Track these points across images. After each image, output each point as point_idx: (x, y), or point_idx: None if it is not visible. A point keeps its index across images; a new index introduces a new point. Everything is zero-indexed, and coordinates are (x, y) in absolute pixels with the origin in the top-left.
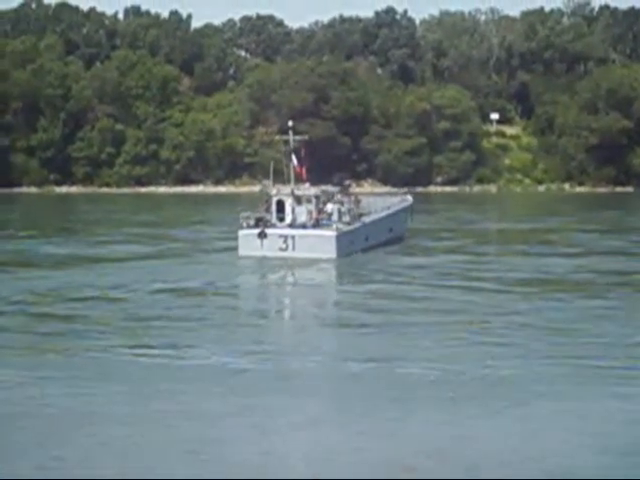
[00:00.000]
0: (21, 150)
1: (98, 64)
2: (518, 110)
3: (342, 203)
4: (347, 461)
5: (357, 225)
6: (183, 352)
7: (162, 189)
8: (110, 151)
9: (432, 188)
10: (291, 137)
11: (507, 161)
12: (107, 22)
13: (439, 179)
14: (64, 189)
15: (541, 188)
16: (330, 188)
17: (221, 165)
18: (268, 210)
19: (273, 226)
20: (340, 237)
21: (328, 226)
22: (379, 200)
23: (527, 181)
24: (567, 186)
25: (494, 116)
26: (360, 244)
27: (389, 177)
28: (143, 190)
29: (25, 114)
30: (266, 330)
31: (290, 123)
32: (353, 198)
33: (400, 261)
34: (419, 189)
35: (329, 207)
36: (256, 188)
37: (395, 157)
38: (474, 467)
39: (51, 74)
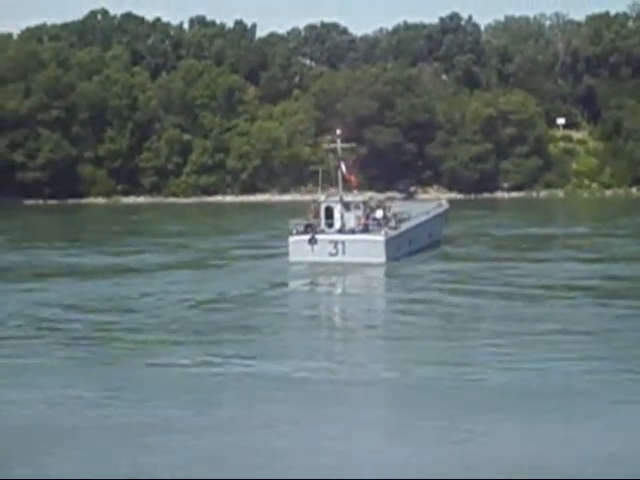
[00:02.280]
0: (89, 161)
1: (164, 74)
2: (584, 115)
3: (384, 209)
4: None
5: (403, 230)
6: (243, 361)
7: (228, 198)
8: (177, 161)
9: (499, 194)
10: (339, 145)
11: (574, 166)
12: (172, 32)
13: (506, 185)
14: (131, 199)
15: (608, 192)
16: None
17: (287, 173)
18: (317, 217)
19: (322, 232)
20: (388, 242)
21: (376, 231)
22: (417, 206)
23: (594, 186)
24: (634, 190)
25: (560, 121)
26: (405, 248)
27: (455, 183)
28: (210, 199)
29: (92, 125)
30: (325, 338)
31: (338, 131)
32: (387, 205)
33: (447, 266)
34: (485, 195)
35: (378, 213)
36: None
37: (461, 163)
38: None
39: (117, 85)
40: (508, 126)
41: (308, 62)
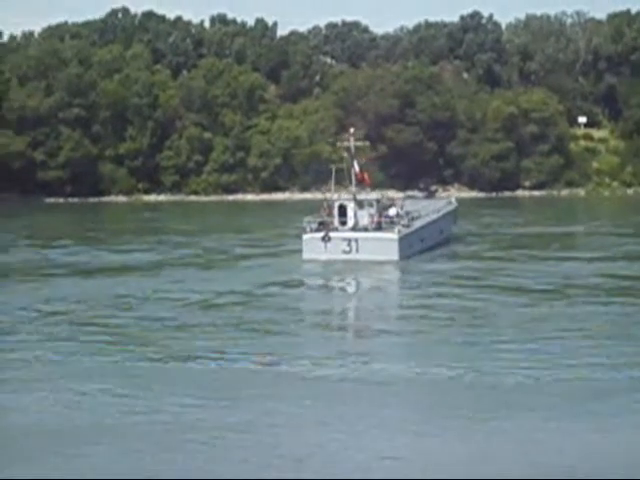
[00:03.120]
0: (110, 159)
1: (185, 73)
2: (606, 113)
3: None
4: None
5: (415, 228)
6: (264, 359)
7: (249, 196)
8: (198, 159)
9: (520, 192)
10: (352, 143)
11: (595, 164)
12: (193, 31)
13: (527, 183)
14: (152, 197)
15: (630, 191)
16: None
17: (307, 172)
18: (330, 215)
19: (335, 230)
20: (402, 239)
21: (390, 229)
22: (427, 204)
23: (615, 184)
24: None
25: (582, 119)
26: (417, 246)
27: (476, 182)
28: (230, 198)
29: (113, 123)
30: (345, 337)
31: (352, 130)
32: (399, 203)
33: (462, 264)
34: (506, 193)
35: (391, 211)
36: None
37: (482, 161)
38: None
39: (138, 83)
40: (529, 124)
41: (329, 60)
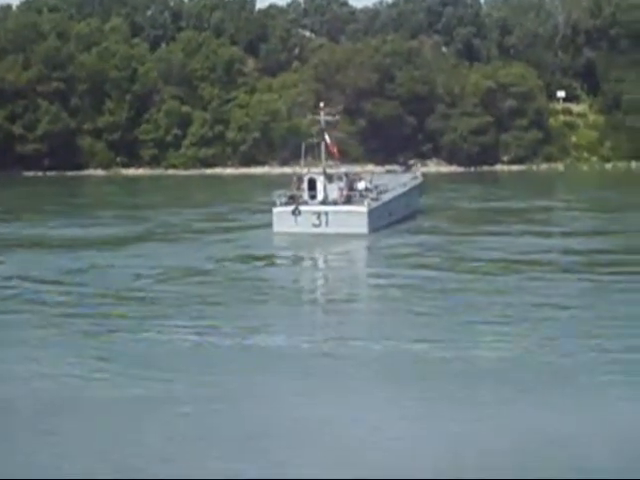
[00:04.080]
0: (88, 133)
1: (163, 46)
2: (585, 88)
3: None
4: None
5: (384, 201)
6: (232, 334)
7: (228, 170)
8: (176, 133)
9: (499, 167)
10: (322, 117)
11: (574, 139)
12: (172, 3)
13: (505, 158)
14: (131, 171)
15: (608, 166)
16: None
17: (286, 146)
18: (299, 188)
19: (305, 203)
20: (371, 213)
21: (359, 202)
22: (393, 178)
23: (594, 159)
24: (634, 163)
25: (560, 94)
26: (385, 220)
27: (455, 156)
28: (209, 171)
29: (91, 97)
30: (312, 312)
31: (321, 104)
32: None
33: (427, 238)
34: (485, 168)
35: (360, 185)
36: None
37: (461, 136)
38: None
39: (116, 57)
40: (508, 99)
41: (308, 34)
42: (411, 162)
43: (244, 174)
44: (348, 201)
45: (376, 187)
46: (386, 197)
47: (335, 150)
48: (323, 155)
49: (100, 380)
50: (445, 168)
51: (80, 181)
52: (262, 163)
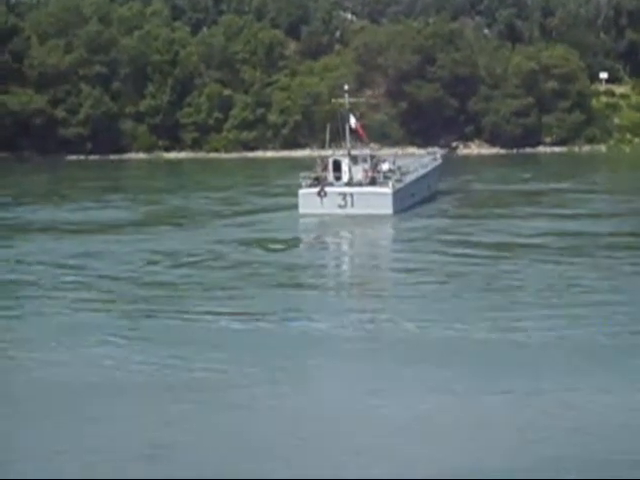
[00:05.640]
0: (130, 116)
1: (204, 29)
2: (627, 69)
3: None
4: None
5: (407, 182)
6: (266, 317)
7: (269, 153)
8: (218, 116)
9: (541, 149)
10: (347, 99)
11: (616, 120)
12: None
13: (548, 139)
14: (172, 155)
15: None
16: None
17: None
18: (325, 170)
19: (330, 185)
20: (395, 194)
21: (384, 184)
22: (414, 160)
23: (637, 140)
24: None
25: (603, 75)
26: (409, 200)
27: (497, 138)
28: (251, 155)
29: (133, 81)
30: (353, 295)
31: (346, 87)
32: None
33: (449, 219)
34: (528, 150)
35: (384, 166)
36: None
37: (503, 118)
38: None
39: (158, 40)
40: (550, 80)
41: (349, 16)
42: (454, 144)
43: (285, 157)
44: (373, 182)
45: (399, 168)
46: (409, 178)
47: (361, 132)
48: (348, 137)
49: (169, 365)
50: (487, 150)
51: (126, 164)
52: (303, 146)
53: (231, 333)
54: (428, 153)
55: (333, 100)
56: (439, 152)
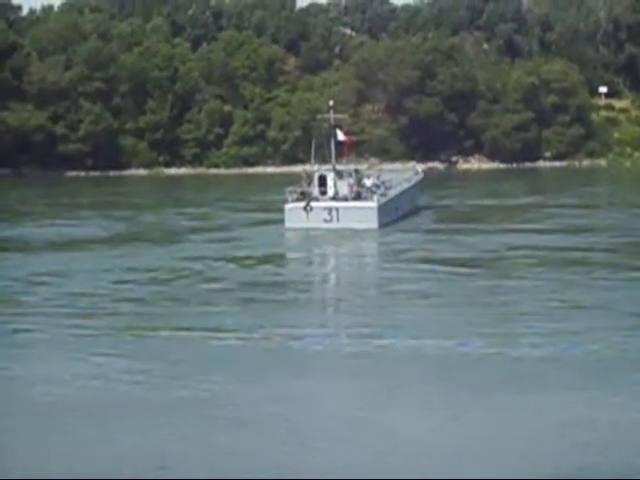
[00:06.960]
0: (130, 132)
1: (204, 45)
2: (627, 83)
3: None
4: None
5: (391, 197)
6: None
7: (270, 169)
8: (218, 132)
9: (541, 163)
10: (331, 115)
11: (616, 135)
12: (213, 3)
13: (548, 154)
14: (173, 171)
15: None
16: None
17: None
18: (310, 185)
19: (316, 199)
20: (380, 208)
21: (369, 198)
22: (397, 175)
23: (637, 154)
24: None
25: (602, 89)
26: (393, 214)
27: (496, 153)
28: (251, 170)
29: (133, 96)
30: (351, 307)
31: (331, 102)
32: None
33: (433, 236)
34: (527, 164)
35: (368, 181)
36: (363, 166)
37: (503, 132)
38: None
39: (158, 56)
40: (550, 95)
41: (349, 32)
42: (454, 159)
43: (285, 173)
44: (358, 197)
45: (383, 183)
46: (393, 193)
47: (346, 149)
48: (333, 152)
49: (153, 384)
50: (487, 165)
51: (126, 180)
52: (304, 161)
53: (217, 350)
54: (429, 169)
55: (318, 116)
56: (419, 167)
